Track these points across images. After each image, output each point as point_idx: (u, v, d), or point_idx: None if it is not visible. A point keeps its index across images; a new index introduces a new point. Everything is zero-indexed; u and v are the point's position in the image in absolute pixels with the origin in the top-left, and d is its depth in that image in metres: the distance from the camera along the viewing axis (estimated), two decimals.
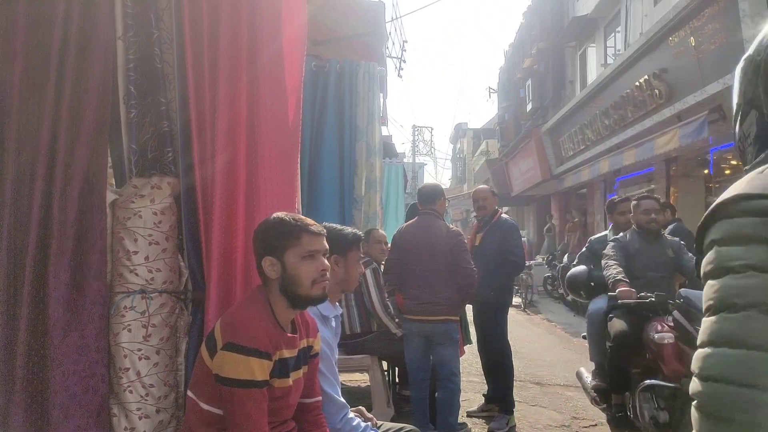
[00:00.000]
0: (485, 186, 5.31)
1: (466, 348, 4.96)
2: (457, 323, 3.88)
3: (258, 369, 1.69)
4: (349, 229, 2.44)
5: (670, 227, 6.01)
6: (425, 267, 3.73)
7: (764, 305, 0.74)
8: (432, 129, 34.31)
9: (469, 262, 3.75)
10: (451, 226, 3.93)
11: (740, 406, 0.73)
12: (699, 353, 0.80)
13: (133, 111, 2.29)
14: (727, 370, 0.75)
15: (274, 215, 1.86)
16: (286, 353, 1.83)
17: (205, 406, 1.77)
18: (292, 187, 2.45)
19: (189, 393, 1.84)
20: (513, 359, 4.63)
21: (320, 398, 2.08)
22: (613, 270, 3.66)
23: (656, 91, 8.18)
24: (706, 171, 9.45)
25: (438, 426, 3.75)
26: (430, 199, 3.92)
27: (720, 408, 0.75)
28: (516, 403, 4.59)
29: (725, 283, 0.79)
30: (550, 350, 7.57)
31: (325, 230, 1.91)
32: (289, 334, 1.87)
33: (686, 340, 2.93)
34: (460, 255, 3.71)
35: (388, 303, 4.19)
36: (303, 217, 1.89)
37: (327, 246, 1.89)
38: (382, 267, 4.55)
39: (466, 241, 3.93)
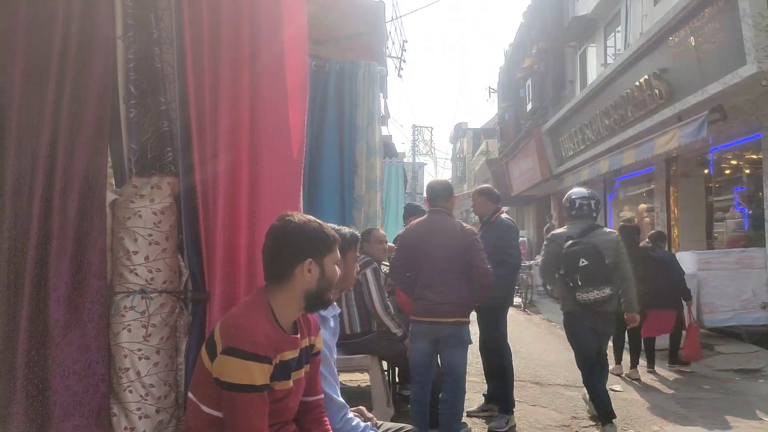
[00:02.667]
0: (483, 186, 5.28)
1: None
2: (468, 325, 3.80)
3: (258, 373, 1.69)
4: (346, 229, 2.45)
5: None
6: (437, 267, 3.61)
7: (545, 257, 4.41)
8: (432, 129, 34.33)
9: (485, 261, 3.62)
10: (465, 225, 3.84)
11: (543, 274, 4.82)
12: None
13: (133, 111, 2.29)
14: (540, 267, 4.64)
15: (301, 217, 1.87)
16: (288, 354, 1.83)
17: (206, 409, 1.77)
18: (295, 187, 2.45)
19: (190, 395, 1.84)
20: (513, 359, 4.63)
21: (322, 396, 2.08)
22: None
23: (656, 91, 8.18)
24: (706, 171, 9.46)
25: (440, 427, 3.73)
26: (442, 196, 3.80)
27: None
28: (516, 403, 4.59)
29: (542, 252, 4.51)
30: (550, 350, 7.57)
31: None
32: (291, 335, 1.86)
33: None
34: (475, 254, 3.58)
35: (388, 303, 4.19)
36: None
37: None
38: (383, 267, 4.54)
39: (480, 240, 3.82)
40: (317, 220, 1.90)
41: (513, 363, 4.64)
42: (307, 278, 1.82)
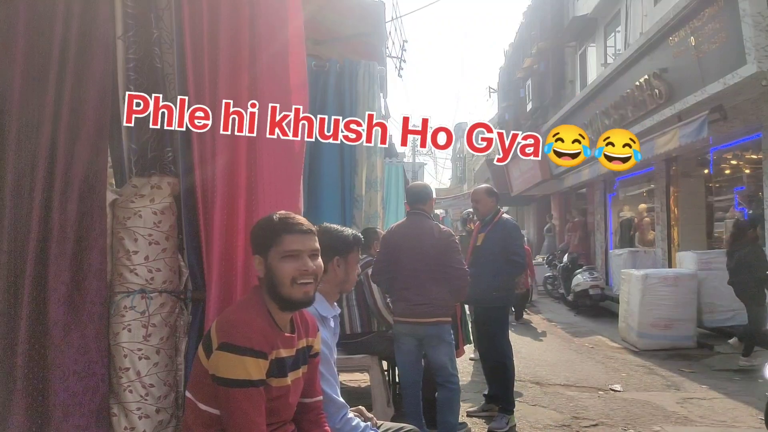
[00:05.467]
0: (483, 186, 5.27)
1: (466, 348, 4.98)
2: (449, 324, 3.83)
3: (254, 368, 1.69)
4: (349, 231, 2.44)
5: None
6: (416, 268, 3.66)
7: None
8: None
9: (461, 262, 3.70)
10: (442, 226, 3.88)
11: None
12: None
13: None
14: None
15: (269, 214, 1.86)
16: (284, 353, 1.83)
17: (203, 407, 1.77)
18: (294, 187, 2.45)
19: (187, 394, 1.84)
20: (513, 359, 4.64)
21: (321, 398, 2.07)
22: None
23: (656, 91, 8.17)
24: (706, 171, 9.46)
25: (438, 426, 3.74)
26: (420, 199, 3.86)
27: None
28: (516, 403, 4.59)
29: None
30: (550, 350, 7.57)
31: (314, 230, 1.87)
32: (286, 334, 1.86)
33: None
34: (451, 256, 3.65)
35: (389, 302, 4.19)
36: (293, 215, 1.86)
37: (315, 246, 1.85)
38: None
39: (457, 241, 3.90)
40: (275, 214, 1.83)
41: (514, 363, 4.64)
42: (260, 274, 1.82)
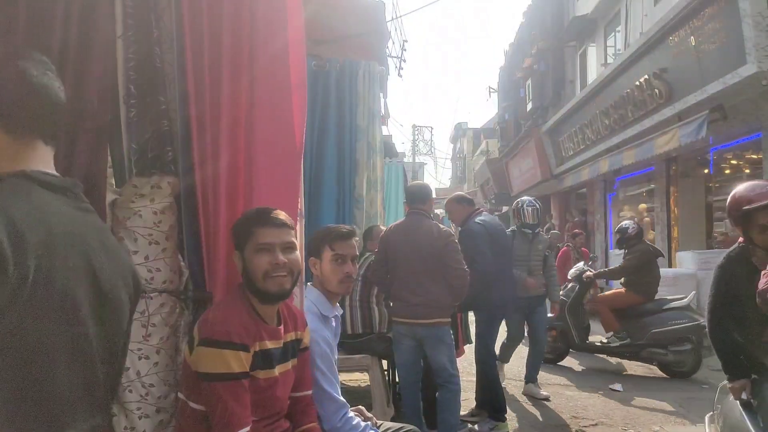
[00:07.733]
0: (455, 194, 4.93)
1: (466, 348, 4.97)
2: (448, 325, 3.81)
3: (234, 361, 1.69)
4: (335, 226, 2.45)
5: None
6: (415, 268, 3.64)
7: None
8: (432, 129, 34.35)
9: (461, 262, 3.67)
10: (442, 226, 3.86)
11: None
12: None
13: (133, 110, 2.28)
14: None
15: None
16: (269, 344, 1.83)
17: (194, 405, 1.78)
18: (292, 186, 2.44)
19: (179, 395, 1.86)
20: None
21: (310, 392, 2.09)
22: None
23: (656, 90, 8.18)
24: (706, 171, 9.46)
25: (438, 426, 3.74)
26: (420, 198, 3.84)
27: None
28: (516, 402, 4.59)
29: None
30: (549, 350, 7.56)
31: (289, 224, 1.86)
32: (272, 326, 1.87)
33: None
34: (451, 255, 3.63)
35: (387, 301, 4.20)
36: (270, 209, 1.86)
37: (289, 239, 1.84)
38: None
39: (457, 241, 3.86)
40: (253, 210, 1.88)
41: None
42: (239, 269, 1.84)
